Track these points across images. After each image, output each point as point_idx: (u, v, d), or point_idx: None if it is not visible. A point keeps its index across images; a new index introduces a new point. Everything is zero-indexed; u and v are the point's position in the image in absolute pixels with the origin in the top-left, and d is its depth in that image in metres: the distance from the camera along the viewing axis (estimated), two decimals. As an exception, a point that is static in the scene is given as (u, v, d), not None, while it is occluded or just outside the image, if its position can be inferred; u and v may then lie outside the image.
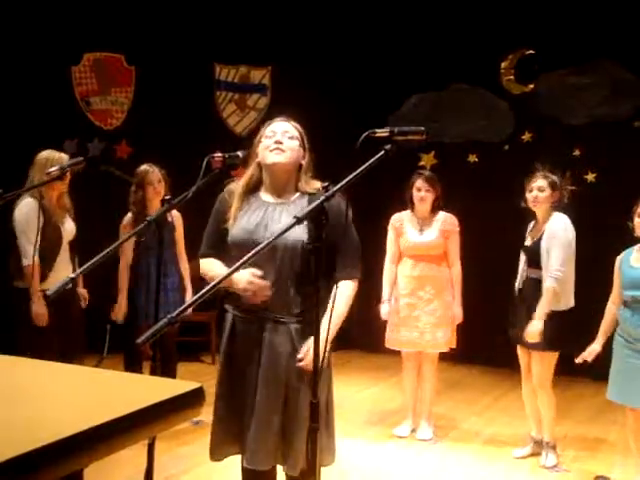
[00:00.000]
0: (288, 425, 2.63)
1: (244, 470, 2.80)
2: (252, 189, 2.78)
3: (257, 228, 2.63)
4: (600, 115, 6.59)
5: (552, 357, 4.30)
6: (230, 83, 7.64)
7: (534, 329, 4.21)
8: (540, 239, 4.33)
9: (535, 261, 4.33)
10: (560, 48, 6.61)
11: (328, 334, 2.29)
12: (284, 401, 2.63)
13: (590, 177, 6.60)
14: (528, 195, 4.39)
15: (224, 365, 2.75)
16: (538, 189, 4.35)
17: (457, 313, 4.83)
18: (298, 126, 2.77)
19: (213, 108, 7.58)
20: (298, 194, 2.72)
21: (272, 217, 2.66)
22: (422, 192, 4.77)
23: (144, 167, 4.84)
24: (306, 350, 2.54)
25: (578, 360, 4.07)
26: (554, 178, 4.38)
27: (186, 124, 6.93)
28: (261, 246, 2.11)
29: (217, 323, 5.52)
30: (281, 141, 2.67)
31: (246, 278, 2.56)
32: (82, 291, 4.61)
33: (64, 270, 4.28)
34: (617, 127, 6.46)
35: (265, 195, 2.76)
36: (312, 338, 2.20)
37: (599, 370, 4.11)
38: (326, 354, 2.30)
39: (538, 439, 4.56)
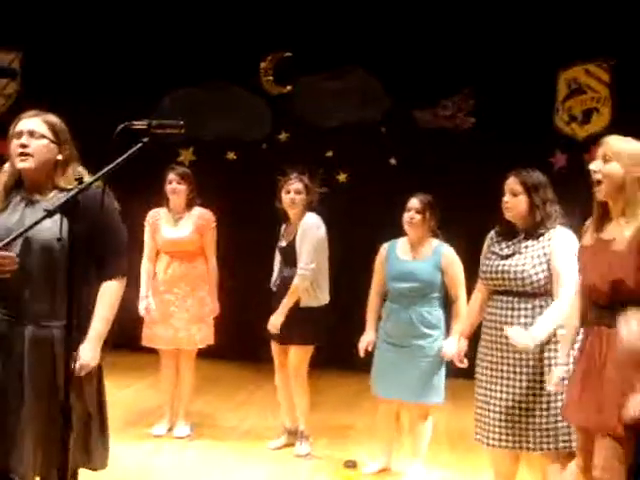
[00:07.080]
0: (52, 434, 2.47)
1: None
2: (15, 185, 2.64)
3: (15, 227, 2.47)
4: (351, 119, 6.93)
5: (308, 351, 4.50)
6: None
7: (275, 322, 4.41)
8: (294, 239, 4.47)
9: (292, 260, 4.46)
10: (316, 53, 6.84)
11: (95, 343, 2.32)
12: (48, 410, 2.51)
13: (342, 177, 6.95)
14: (285, 196, 4.48)
15: None
16: (295, 191, 4.45)
17: (213, 307, 4.88)
18: (51, 119, 2.61)
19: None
20: (55, 191, 2.59)
21: (30, 216, 2.52)
22: (173, 184, 4.74)
23: None
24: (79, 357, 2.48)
25: (362, 354, 4.24)
26: (307, 181, 4.53)
27: None
28: (4, 242, 2.02)
29: None
30: (26, 144, 2.52)
31: None
32: None
33: None
34: (366, 130, 6.84)
35: (25, 193, 2.62)
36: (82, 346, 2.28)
37: (347, 362, 4.33)
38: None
39: (292, 429, 4.70)
